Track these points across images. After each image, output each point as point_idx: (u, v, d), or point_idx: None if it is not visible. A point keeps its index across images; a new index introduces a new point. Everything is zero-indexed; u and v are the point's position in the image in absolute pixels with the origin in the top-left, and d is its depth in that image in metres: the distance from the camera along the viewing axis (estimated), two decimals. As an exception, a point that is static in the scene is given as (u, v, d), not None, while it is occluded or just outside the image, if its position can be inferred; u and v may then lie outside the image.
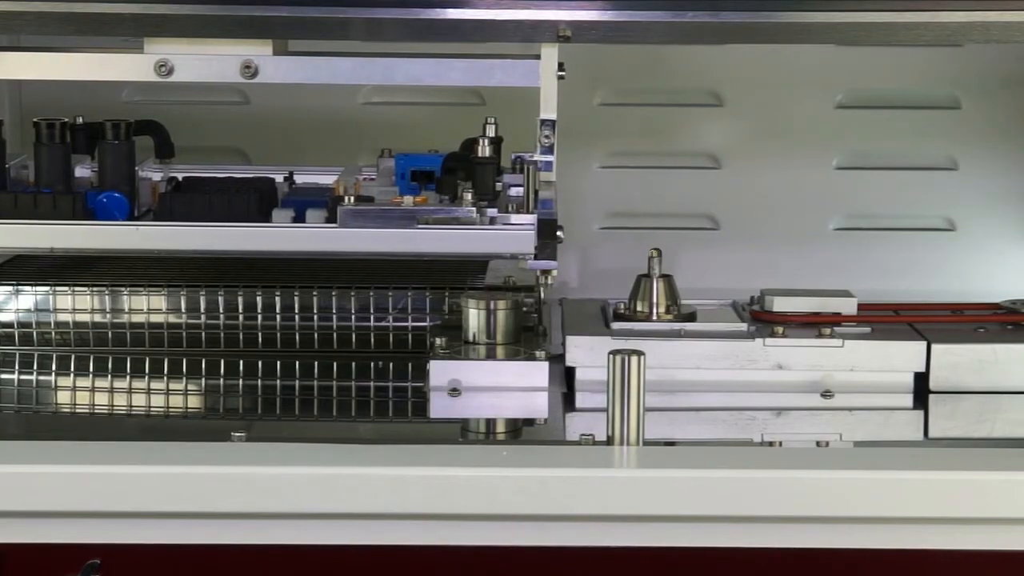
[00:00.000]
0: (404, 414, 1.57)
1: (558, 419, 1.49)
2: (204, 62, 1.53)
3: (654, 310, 1.62)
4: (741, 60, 1.94)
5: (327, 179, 1.67)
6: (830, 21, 1.51)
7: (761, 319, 1.62)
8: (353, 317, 1.68)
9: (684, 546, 1.29)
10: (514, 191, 1.57)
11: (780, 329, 1.58)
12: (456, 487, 1.28)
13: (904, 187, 2.02)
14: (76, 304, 1.68)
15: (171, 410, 1.59)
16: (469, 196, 1.49)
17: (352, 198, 1.49)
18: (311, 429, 1.54)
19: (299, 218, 1.51)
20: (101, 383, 1.63)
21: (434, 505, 1.27)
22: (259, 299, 1.68)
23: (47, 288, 1.68)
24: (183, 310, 1.68)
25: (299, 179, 1.69)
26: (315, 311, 1.68)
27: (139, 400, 1.60)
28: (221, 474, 1.28)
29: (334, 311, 1.68)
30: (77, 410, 1.58)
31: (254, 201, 1.51)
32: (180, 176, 1.64)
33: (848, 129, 2.00)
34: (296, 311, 1.68)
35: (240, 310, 1.68)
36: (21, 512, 1.28)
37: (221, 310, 1.68)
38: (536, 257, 1.44)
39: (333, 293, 1.68)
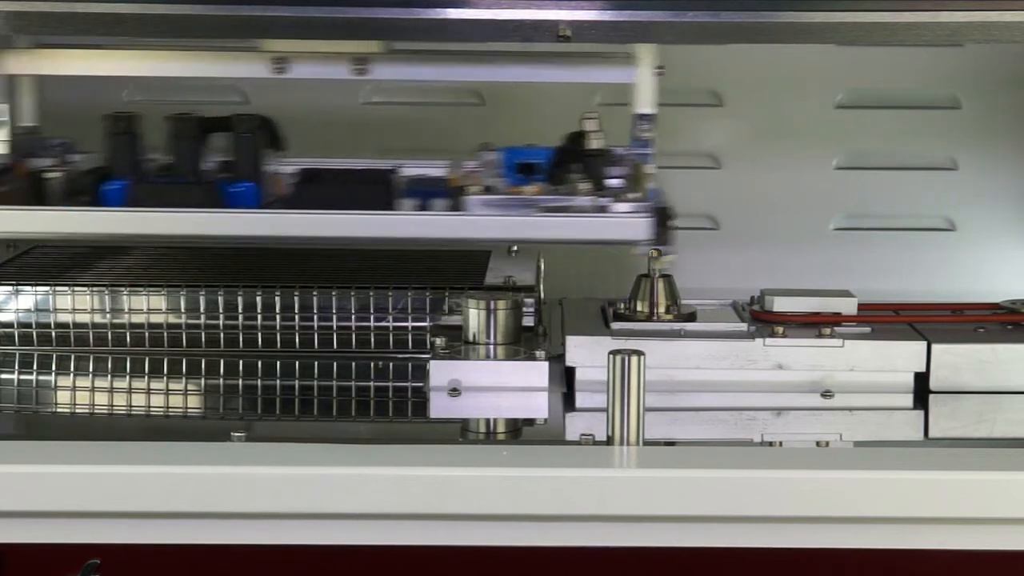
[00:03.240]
0: (404, 414, 1.57)
1: (558, 419, 1.50)
2: (317, 61, 1.60)
3: (654, 310, 1.62)
4: (741, 60, 1.94)
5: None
6: (830, 21, 1.51)
7: (761, 319, 1.62)
8: (353, 317, 1.68)
9: (684, 546, 1.29)
10: (612, 183, 1.61)
11: (780, 329, 1.58)
12: (456, 487, 1.28)
13: (904, 187, 2.02)
14: (76, 304, 1.68)
15: (171, 410, 1.59)
16: (585, 186, 1.54)
17: (476, 187, 1.54)
18: (311, 429, 1.54)
19: (423, 208, 1.56)
20: (101, 383, 1.63)
21: (434, 505, 1.27)
22: (259, 299, 1.68)
23: (47, 288, 1.68)
24: (183, 310, 1.68)
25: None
26: (315, 311, 1.68)
27: (139, 400, 1.60)
28: (221, 474, 1.28)
29: (334, 311, 1.68)
30: (77, 410, 1.58)
31: (382, 191, 1.55)
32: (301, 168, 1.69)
33: (848, 129, 2.01)
34: (296, 311, 1.68)
35: (240, 310, 1.68)
36: (21, 512, 1.28)
37: (221, 310, 1.68)
38: (654, 243, 1.50)
39: (333, 293, 1.68)
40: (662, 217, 1.50)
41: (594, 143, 1.61)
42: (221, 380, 1.64)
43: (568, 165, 1.59)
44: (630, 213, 1.52)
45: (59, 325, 1.68)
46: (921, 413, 1.55)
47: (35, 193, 1.56)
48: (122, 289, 1.69)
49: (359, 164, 1.72)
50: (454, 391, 1.52)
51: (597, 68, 1.62)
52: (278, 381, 1.64)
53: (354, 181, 1.60)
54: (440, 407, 1.51)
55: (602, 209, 1.53)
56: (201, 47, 1.62)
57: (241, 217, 1.54)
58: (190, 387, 1.64)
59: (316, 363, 1.66)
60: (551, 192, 1.57)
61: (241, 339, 1.68)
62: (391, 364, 1.67)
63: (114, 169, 1.52)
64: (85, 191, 1.56)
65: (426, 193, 1.56)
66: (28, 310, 1.68)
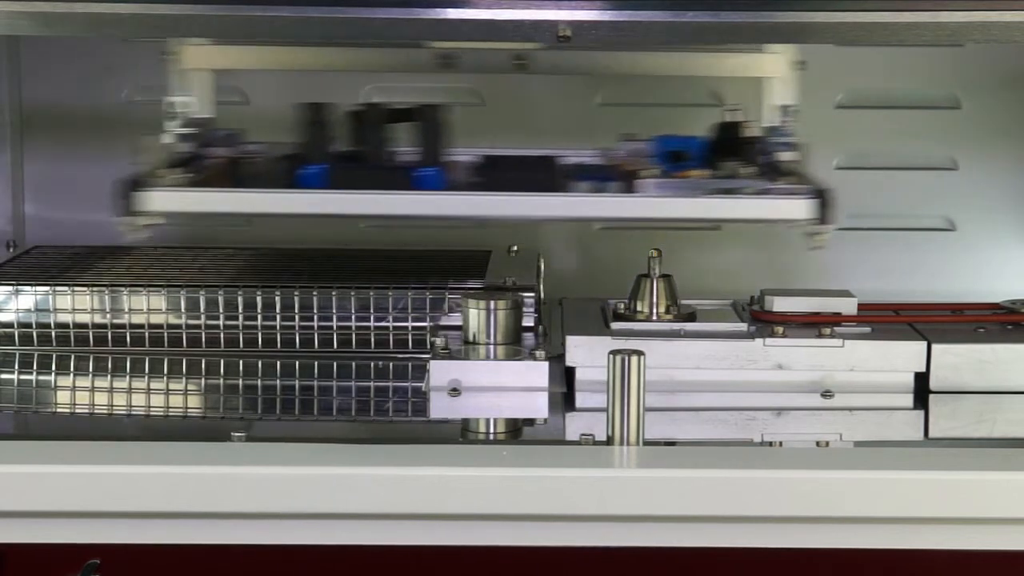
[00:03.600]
0: (404, 414, 1.57)
1: (558, 419, 1.50)
2: (481, 55, 1.70)
3: (654, 310, 1.62)
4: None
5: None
6: (830, 21, 1.51)
7: (761, 319, 1.62)
8: (353, 317, 1.68)
9: (684, 546, 1.29)
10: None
11: (780, 329, 1.58)
12: (456, 487, 1.28)
13: (904, 187, 2.02)
14: (76, 304, 1.68)
15: (171, 410, 1.59)
16: (748, 170, 1.61)
17: (650, 172, 1.60)
18: (311, 429, 1.54)
19: (597, 191, 1.60)
20: (101, 383, 1.63)
21: (434, 505, 1.27)
22: (259, 299, 1.68)
23: (47, 288, 1.68)
24: (183, 310, 1.68)
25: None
26: (315, 311, 1.68)
27: (139, 400, 1.60)
28: (221, 474, 1.28)
29: (334, 311, 1.68)
30: (77, 410, 1.58)
31: (560, 175, 1.62)
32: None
33: (848, 129, 2.01)
34: (296, 311, 1.68)
35: (240, 310, 1.68)
36: (21, 512, 1.28)
37: (221, 310, 1.68)
38: (816, 222, 1.56)
39: (333, 293, 1.68)
40: (823, 197, 1.56)
41: (748, 132, 1.71)
42: (221, 380, 1.64)
43: (723, 152, 1.67)
44: (794, 194, 1.57)
45: (59, 325, 1.68)
46: (921, 413, 1.55)
47: (235, 177, 1.62)
48: (122, 289, 1.69)
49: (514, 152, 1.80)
50: (454, 391, 1.52)
51: (740, 62, 1.74)
52: (278, 381, 1.64)
53: (528, 167, 1.66)
54: (440, 407, 1.51)
55: (766, 191, 1.58)
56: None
57: (434, 199, 1.58)
58: (190, 387, 1.64)
59: (316, 363, 1.66)
60: (714, 177, 1.63)
61: (241, 339, 1.68)
62: (391, 364, 1.67)
63: (309, 155, 1.59)
64: (277, 176, 1.61)
65: (600, 177, 1.62)
66: (28, 310, 1.68)
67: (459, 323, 1.60)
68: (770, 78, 1.72)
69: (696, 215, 1.60)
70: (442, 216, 1.60)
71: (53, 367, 1.66)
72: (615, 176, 1.63)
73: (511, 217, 1.62)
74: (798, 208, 1.56)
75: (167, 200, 1.55)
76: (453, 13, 1.53)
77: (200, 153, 1.64)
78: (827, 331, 1.58)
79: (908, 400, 1.56)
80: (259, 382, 1.64)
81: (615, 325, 1.60)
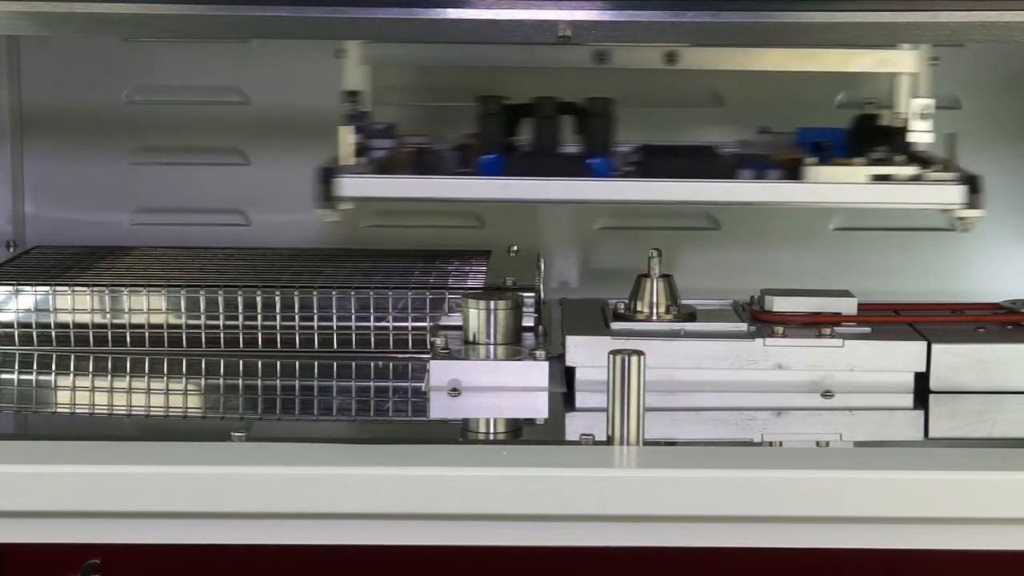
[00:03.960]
0: (404, 414, 1.57)
1: (558, 419, 1.49)
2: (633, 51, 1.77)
3: (654, 310, 1.62)
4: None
5: None
6: (830, 21, 1.51)
7: (761, 319, 1.62)
8: (353, 317, 1.68)
9: (684, 546, 1.29)
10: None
11: (780, 329, 1.58)
12: (456, 487, 1.28)
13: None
14: (76, 304, 1.68)
15: (171, 410, 1.59)
16: (900, 158, 1.65)
17: (812, 160, 1.64)
18: (311, 429, 1.54)
19: (759, 178, 1.65)
20: (101, 383, 1.63)
21: (434, 505, 1.27)
22: (259, 299, 1.68)
23: (47, 288, 1.68)
24: (183, 310, 1.68)
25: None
26: (315, 311, 1.68)
27: (139, 400, 1.60)
28: (221, 474, 1.28)
29: (334, 311, 1.68)
30: (77, 410, 1.58)
31: (724, 163, 1.67)
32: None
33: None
34: (296, 311, 1.68)
35: (240, 310, 1.68)
36: (21, 512, 1.28)
37: (221, 310, 1.68)
38: (966, 206, 1.61)
39: (333, 293, 1.68)
40: (973, 183, 1.61)
41: (895, 122, 1.76)
42: (221, 380, 1.64)
43: (863, 142, 1.72)
44: (946, 180, 1.62)
45: (59, 325, 1.68)
46: (921, 413, 1.55)
47: (418, 166, 1.67)
48: (122, 289, 1.69)
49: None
50: (454, 391, 1.52)
51: (873, 58, 1.78)
52: (278, 381, 1.64)
53: (692, 155, 1.72)
54: (440, 407, 1.51)
55: (917, 178, 1.63)
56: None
57: (608, 184, 1.62)
58: (190, 387, 1.64)
59: (316, 363, 1.66)
60: (869, 164, 1.67)
61: (241, 339, 1.68)
62: (391, 364, 1.67)
63: (487, 144, 1.66)
64: (454, 165, 1.68)
65: (760, 165, 1.66)
66: (28, 310, 1.68)
67: (459, 323, 1.60)
68: (907, 73, 1.78)
69: (853, 200, 1.64)
70: (614, 201, 1.65)
71: (53, 367, 1.66)
72: (772, 165, 1.68)
73: (682, 202, 1.66)
74: (951, 194, 1.60)
75: (362, 186, 1.60)
76: (453, 13, 1.53)
77: (367, 144, 1.70)
78: (827, 331, 1.58)
79: (908, 400, 1.56)
80: (259, 382, 1.64)
81: (615, 325, 1.60)
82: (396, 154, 1.71)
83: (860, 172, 1.62)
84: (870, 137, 1.73)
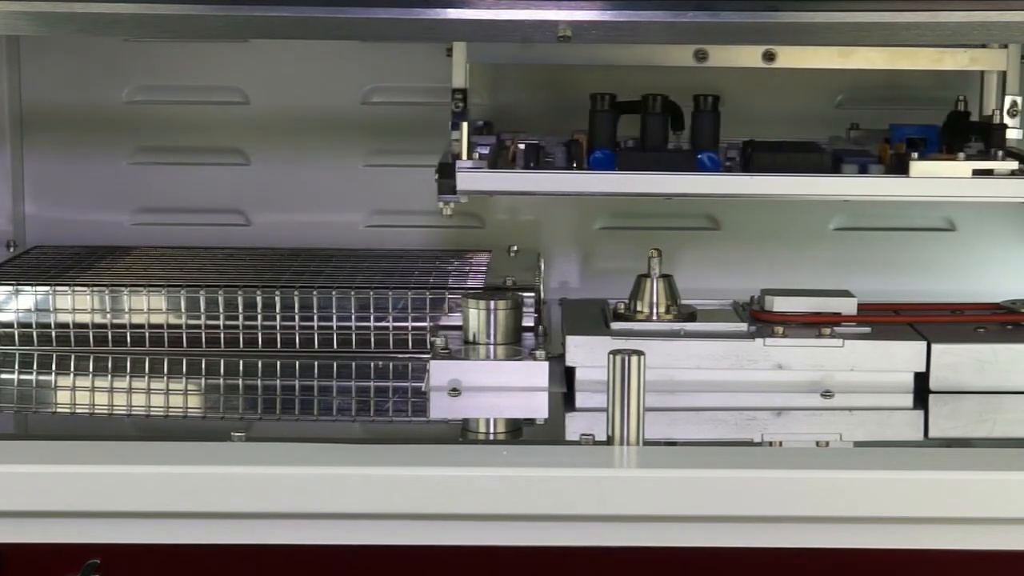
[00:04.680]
0: (404, 414, 1.57)
1: (558, 419, 1.49)
2: (729, 50, 1.84)
3: (654, 310, 1.62)
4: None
5: None
6: (830, 21, 1.51)
7: (761, 319, 1.62)
8: (353, 317, 1.68)
9: (684, 546, 1.29)
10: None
11: (780, 329, 1.58)
12: (456, 487, 1.28)
13: (904, 187, 2.02)
14: (76, 304, 1.68)
15: (171, 410, 1.59)
16: (1000, 152, 1.68)
17: (915, 154, 1.66)
18: (311, 429, 1.54)
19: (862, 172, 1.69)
20: (101, 383, 1.63)
21: (434, 505, 1.27)
22: (259, 299, 1.68)
23: (47, 288, 1.69)
24: (183, 310, 1.68)
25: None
26: (315, 311, 1.68)
27: (139, 400, 1.60)
28: (221, 474, 1.28)
29: (334, 311, 1.68)
30: (77, 410, 1.58)
31: (829, 158, 1.69)
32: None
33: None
34: (296, 311, 1.68)
35: (240, 310, 1.68)
36: (21, 512, 1.28)
37: (221, 310, 1.68)
38: None
39: (333, 293, 1.68)
40: None
41: (990, 119, 1.82)
42: (221, 380, 1.64)
43: (955, 138, 1.74)
44: None
45: (59, 325, 1.68)
46: (921, 413, 1.55)
47: (529, 161, 1.69)
48: (122, 289, 1.69)
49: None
50: (454, 391, 1.52)
51: (967, 55, 1.85)
52: (278, 381, 1.64)
53: (797, 150, 1.72)
54: (440, 407, 1.51)
55: (1018, 172, 1.64)
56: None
57: (717, 179, 1.65)
58: (190, 387, 1.64)
59: (316, 363, 1.66)
60: (968, 159, 1.69)
61: (241, 339, 1.68)
62: (391, 364, 1.67)
63: (597, 140, 1.68)
64: (563, 160, 1.70)
65: (863, 161, 1.68)
66: (28, 310, 1.68)
67: (459, 323, 1.60)
68: (997, 71, 1.84)
69: (955, 193, 1.65)
70: (721, 194, 1.68)
71: (53, 367, 1.66)
72: (875, 160, 1.69)
73: (790, 196, 1.68)
74: None
75: (480, 180, 1.63)
76: (453, 13, 1.53)
77: (473, 141, 1.72)
78: (827, 331, 1.58)
79: (908, 400, 1.56)
80: (259, 382, 1.64)
81: (615, 325, 1.60)
82: (505, 149, 1.74)
83: (963, 167, 1.63)
84: (963, 133, 1.76)
